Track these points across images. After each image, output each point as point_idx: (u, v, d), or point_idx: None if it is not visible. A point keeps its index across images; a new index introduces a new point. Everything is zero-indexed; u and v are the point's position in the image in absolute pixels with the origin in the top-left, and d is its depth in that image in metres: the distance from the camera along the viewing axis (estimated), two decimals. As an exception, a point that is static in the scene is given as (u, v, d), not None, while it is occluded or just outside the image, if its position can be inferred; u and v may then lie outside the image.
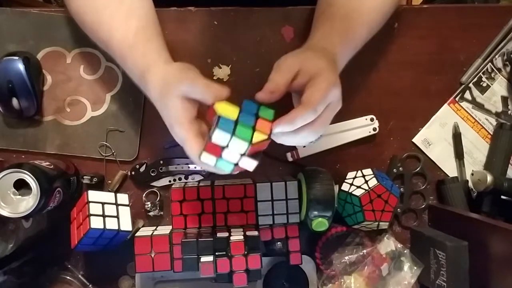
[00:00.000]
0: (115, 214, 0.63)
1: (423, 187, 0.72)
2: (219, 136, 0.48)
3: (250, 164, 0.50)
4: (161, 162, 0.69)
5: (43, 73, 0.69)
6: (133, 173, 0.69)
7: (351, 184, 0.66)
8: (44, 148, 0.69)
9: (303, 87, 0.50)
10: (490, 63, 0.73)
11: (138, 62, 0.57)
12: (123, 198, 0.65)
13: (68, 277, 0.68)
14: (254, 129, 0.48)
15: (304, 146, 0.70)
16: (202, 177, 0.70)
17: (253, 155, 0.49)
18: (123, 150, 0.70)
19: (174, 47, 0.66)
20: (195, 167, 0.69)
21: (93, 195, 0.62)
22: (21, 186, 0.57)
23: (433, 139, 0.73)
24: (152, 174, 0.69)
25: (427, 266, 0.66)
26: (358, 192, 0.65)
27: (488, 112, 0.74)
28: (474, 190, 0.72)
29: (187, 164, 0.69)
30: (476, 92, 0.73)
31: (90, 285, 0.68)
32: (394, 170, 0.71)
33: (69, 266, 0.69)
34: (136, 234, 0.63)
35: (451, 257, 0.61)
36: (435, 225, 0.71)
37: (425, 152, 0.73)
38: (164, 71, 0.54)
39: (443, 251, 0.62)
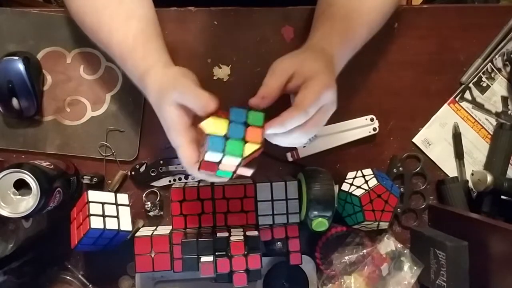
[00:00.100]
0: (115, 214, 0.63)
1: (423, 187, 0.72)
2: (211, 156, 0.48)
3: (247, 172, 0.50)
4: (161, 162, 0.69)
5: (43, 73, 0.69)
6: (133, 173, 0.69)
7: (351, 184, 0.66)
8: (44, 148, 0.69)
9: (298, 89, 0.51)
10: (490, 63, 0.73)
11: (137, 64, 0.57)
12: (123, 198, 0.65)
13: (68, 277, 0.68)
14: (245, 140, 0.48)
15: (304, 146, 0.70)
16: (202, 177, 0.70)
17: (249, 162, 0.50)
18: (123, 150, 0.70)
19: (174, 47, 0.66)
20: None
21: (93, 195, 0.62)
22: (21, 186, 0.57)
23: (433, 139, 0.73)
24: (152, 174, 0.69)
25: (427, 266, 0.66)
26: (358, 192, 0.65)
27: (488, 112, 0.74)
28: (474, 190, 0.72)
29: (187, 164, 0.69)
30: (476, 92, 0.73)
31: (90, 285, 0.68)
32: (394, 170, 0.71)
33: (69, 266, 0.69)
34: (136, 234, 0.63)
35: (451, 257, 0.61)
36: (435, 225, 0.71)
37: (425, 152, 0.73)
38: (162, 76, 0.54)
39: (443, 251, 0.62)
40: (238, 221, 0.64)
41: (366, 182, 0.65)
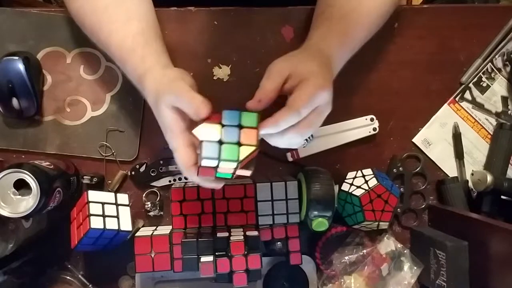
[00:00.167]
0: (115, 214, 0.63)
1: (423, 187, 0.72)
2: (207, 162, 0.48)
3: (246, 172, 0.50)
4: (161, 162, 0.69)
5: (43, 73, 0.69)
6: (133, 173, 0.69)
7: (351, 184, 0.66)
8: (44, 148, 0.69)
9: (294, 90, 0.51)
10: (490, 63, 0.73)
11: (136, 65, 0.57)
12: (123, 198, 0.65)
13: (68, 277, 0.68)
14: (240, 143, 0.48)
15: (304, 146, 0.70)
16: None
17: (248, 163, 0.49)
18: (123, 150, 0.70)
19: (174, 47, 0.67)
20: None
21: (93, 195, 0.62)
22: (21, 186, 0.57)
23: (433, 139, 0.73)
24: (152, 174, 0.69)
25: (427, 266, 0.66)
26: (358, 192, 0.65)
27: (488, 112, 0.74)
28: (474, 190, 0.72)
29: (187, 164, 0.69)
30: (476, 92, 0.73)
31: (90, 285, 0.68)
32: (394, 170, 0.71)
33: (69, 266, 0.69)
34: (136, 234, 0.63)
35: (451, 257, 0.61)
36: (435, 225, 0.71)
37: (425, 152, 0.73)
38: (160, 78, 0.54)
39: (443, 251, 0.62)
40: (238, 221, 0.64)
41: (366, 182, 0.65)
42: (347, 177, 0.68)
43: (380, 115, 0.71)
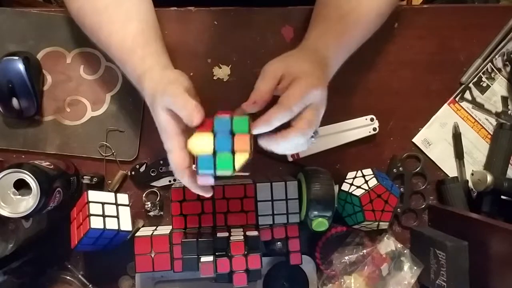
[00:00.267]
0: (115, 214, 0.63)
1: (423, 187, 0.72)
2: (204, 173, 0.49)
3: (244, 173, 0.50)
4: (161, 162, 0.69)
5: (43, 73, 0.69)
6: (133, 173, 0.69)
7: (351, 184, 0.66)
8: (44, 148, 0.69)
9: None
10: (490, 63, 0.73)
11: (135, 66, 0.57)
12: (123, 198, 0.65)
13: (68, 277, 0.68)
14: (233, 151, 0.48)
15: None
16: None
17: (245, 165, 0.50)
18: (123, 150, 0.70)
19: (174, 47, 0.67)
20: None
21: (93, 195, 0.62)
22: (21, 186, 0.57)
23: (433, 139, 0.73)
24: (152, 174, 0.69)
25: (427, 266, 0.66)
26: (358, 192, 0.65)
27: (488, 112, 0.74)
28: (474, 190, 0.72)
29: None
30: (476, 92, 0.73)
31: (90, 285, 0.68)
32: (394, 170, 0.71)
33: (69, 266, 0.69)
34: (136, 234, 0.63)
35: (451, 257, 0.61)
36: (435, 225, 0.71)
37: (425, 152, 0.73)
38: (158, 79, 0.54)
39: (443, 251, 0.62)
40: (238, 221, 0.64)
41: (366, 182, 0.65)
42: (347, 177, 0.68)
43: (380, 115, 0.71)
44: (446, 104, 0.73)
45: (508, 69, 0.74)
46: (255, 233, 0.61)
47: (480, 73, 0.73)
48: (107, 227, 0.61)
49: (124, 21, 0.59)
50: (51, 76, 0.70)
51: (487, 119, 0.74)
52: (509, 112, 0.74)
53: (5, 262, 0.61)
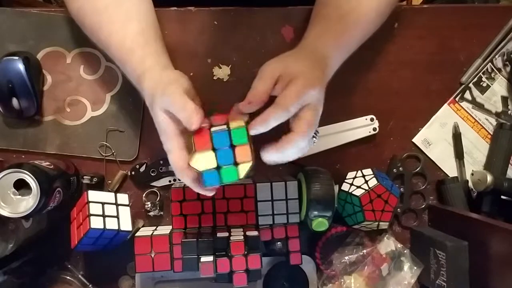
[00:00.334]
0: (115, 214, 0.63)
1: (423, 187, 0.72)
2: (211, 186, 0.50)
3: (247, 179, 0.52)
4: (161, 162, 0.69)
5: (43, 73, 0.69)
6: (133, 173, 0.69)
7: (351, 184, 0.66)
8: (44, 148, 0.69)
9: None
10: (490, 63, 0.73)
11: (135, 66, 0.57)
12: (123, 198, 0.65)
13: (68, 277, 0.68)
14: (236, 162, 0.49)
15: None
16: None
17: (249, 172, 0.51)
18: (123, 150, 0.70)
19: (174, 47, 0.67)
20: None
21: (93, 195, 0.62)
22: (21, 186, 0.57)
23: (433, 139, 0.73)
24: (152, 174, 0.69)
25: (427, 266, 0.66)
26: (358, 192, 0.65)
27: (488, 112, 0.74)
28: (474, 190, 0.72)
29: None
30: (476, 92, 0.73)
31: (90, 285, 0.68)
32: (394, 170, 0.71)
33: (69, 266, 0.69)
34: (136, 234, 0.63)
35: (451, 257, 0.61)
36: (435, 225, 0.71)
37: (425, 152, 0.73)
38: (157, 79, 0.54)
39: (443, 251, 0.62)
40: (238, 221, 0.64)
41: (366, 182, 0.65)
42: (347, 177, 0.68)
43: (380, 115, 0.71)
44: (446, 104, 0.73)
45: (508, 69, 0.74)
46: (255, 233, 0.61)
47: (480, 73, 0.73)
48: (107, 227, 0.61)
49: (124, 21, 0.59)
50: (51, 76, 0.70)
51: (487, 119, 0.74)
52: (509, 112, 0.74)
53: (5, 262, 0.61)
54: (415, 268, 0.67)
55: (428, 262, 0.65)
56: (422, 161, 0.72)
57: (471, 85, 0.73)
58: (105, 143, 0.69)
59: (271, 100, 0.51)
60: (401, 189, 0.72)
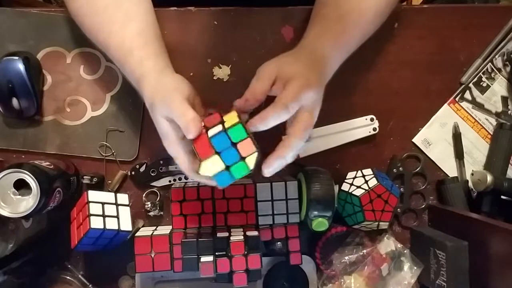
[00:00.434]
0: (115, 214, 0.63)
1: (423, 187, 0.72)
2: (227, 185, 0.50)
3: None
4: (161, 162, 0.69)
5: (43, 73, 0.69)
6: (133, 173, 0.69)
7: (351, 184, 0.66)
8: (44, 148, 0.69)
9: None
10: (490, 63, 0.73)
11: (134, 68, 0.57)
12: (123, 198, 0.65)
13: (68, 277, 0.68)
14: (242, 157, 0.49)
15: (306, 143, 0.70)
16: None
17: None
18: (123, 150, 0.70)
19: (174, 47, 0.67)
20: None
21: (93, 195, 0.62)
22: (21, 186, 0.57)
23: (433, 139, 0.73)
24: (152, 174, 0.69)
25: (427, 266, 0.66)
26: (358, 192, 0.65)
27: (488, 112, 0.74)
28: (474, 190, 0.72)
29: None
30: (476, 92, 0.73)
31: (90, 285, 0.68)
32: (394, 170, 0.71)
33: (69, 266, 0.69)
34: (136, 234, 0.63)
35: (451, 257, 0.61)
36: (435, 225, 0.71)
37: (425, 152, 0.73)
38: (156, 84, 0.54)
39: (443, 251, 0.62)
40: (238, 221, 0.64)
41: (366, 182, 0.65)
42: (347, 177, 0.68)
43: (380, 115, 0.71)
44: (446, 104, 0.73)
45: (508, 69, 0.74)
46: (255, 233, 0.61)
47: (480, 73, 0.73)
48: (107, 227, 0.61)
49: (124, 21, 0.59)
50: (51, 76, 0.70)
51: (487, 119, 0.74)
52: (509, 112, 0.74)
53: (5, 262, 0.61)
54: (415, 268, 0.67)
55: (428, 262, 0.65)
56: (422, 161, 0.72)
57: (471, 85, 0.73)
58: (105, 143, 0.69)
59: (270, 100, 0.51)
60: (401, 189, 0.72)
